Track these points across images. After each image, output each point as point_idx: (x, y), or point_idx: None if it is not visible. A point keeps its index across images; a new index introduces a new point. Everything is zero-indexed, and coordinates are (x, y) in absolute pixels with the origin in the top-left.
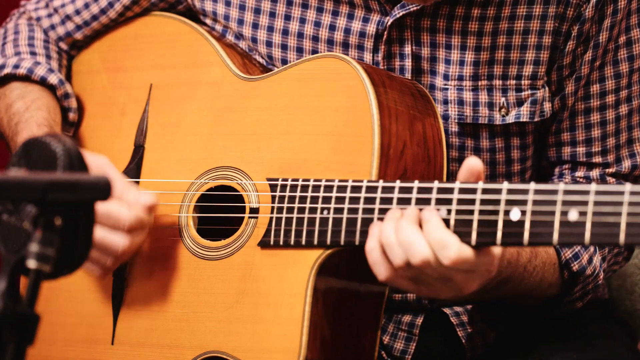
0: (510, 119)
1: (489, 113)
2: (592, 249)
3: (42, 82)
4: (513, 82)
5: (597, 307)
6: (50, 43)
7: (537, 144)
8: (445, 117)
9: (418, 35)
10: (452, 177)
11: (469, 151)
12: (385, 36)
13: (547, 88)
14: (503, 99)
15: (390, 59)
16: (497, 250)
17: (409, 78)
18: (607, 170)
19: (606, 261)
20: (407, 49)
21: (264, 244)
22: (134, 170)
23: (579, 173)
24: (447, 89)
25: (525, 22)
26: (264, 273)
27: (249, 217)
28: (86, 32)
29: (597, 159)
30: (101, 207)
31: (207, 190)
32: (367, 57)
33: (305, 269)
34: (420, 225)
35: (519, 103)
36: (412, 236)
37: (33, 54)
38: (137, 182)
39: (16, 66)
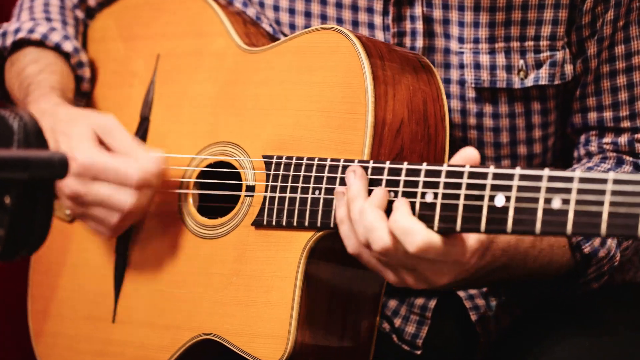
0: (529, 82)
1: (507, 76)
2: None
3: (57, 49)
4: (531, 43)
5: (627, 292)
6: (66, 9)
7: (560, 110)
8: (462, 82)
9: None
10: (469, 144)
11: (487, 117)
12: None
13: (567, 50)
14: (521, 62)
15: (401, 22)
16: (471, 240)
17: (421, 42)
18: (636, 135)
19: (622, 244)
20: (418, 11)
21: (257, 223)
22: None
23: (607, 139)
24: (462, 52)
25: None
26: (257, 254)
27: (245, 196)
28: None
29: (626, 124)
30: (109, 162)
31: (207, 166)
32: (377, 20)
33: (296, 251)
34: (387, 211)
35: (538, 65)
36: (375, 222)
37: (48, 20)
38: None
39: (31, 31)
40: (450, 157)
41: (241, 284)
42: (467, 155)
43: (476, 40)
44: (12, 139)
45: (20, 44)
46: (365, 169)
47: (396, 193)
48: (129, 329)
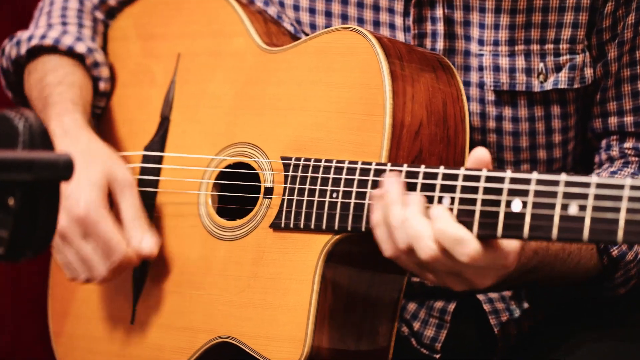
0: (549, 85)
1: (526, 79)
2: None
3: (70, 52)
4: (551, 46)
5: None
6: (85, 12)
7: (580, 114)
8: (481, 85)
9: None
10: (489, 147)
11: (506, 121)
12: None
13: (587, 53)
14: (541, 65)
15: (422, 23)
16: (514, 244)
17: (442, 44)
18: None
19: None
20: (439, 12)
21: (275, 226)
22: (158, 142)
23: (628, 144)
24: (482, 54)
25: None
26: (274, 257)
27: (264, 197)
28: None
29: None
30: (105, 230)
31: (226, 167)
32: (398, 20)
33: (314, 254)
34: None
35: (558, 68)
36: (422, 230)
37: (64, 24)
38: (161, 157)
39: (43, 37)
40: None
41: (258, 286)
42: (479, 156)
43: (496, 43)
44: (18, 140)
45: (36, 52)
46: (382, 171)
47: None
48: (147, 330)
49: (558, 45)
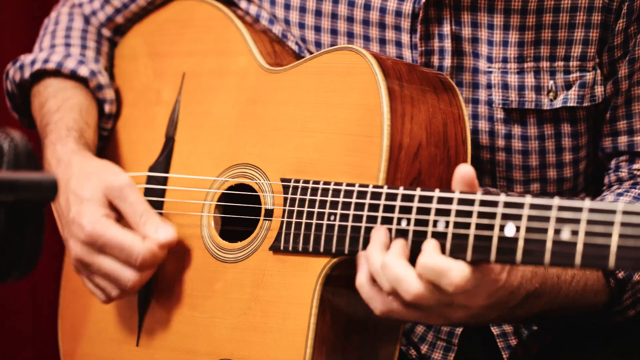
0: (558, 103)
1: (535, 97)
2: None
3: (73, 75)
4: (561, 63)
5: None
6: (89, 32)
7: (592, 133)
8: (490, 103)
9: (458, 14)
10: (497, 166)
11: (516, 140)
12: (421, 15)
13: (598, 71)
14: (551, 82)
15: (429, 40)
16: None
17: (450, 61)
18: None
19: None
20: (446, 29)
21: (274, 248)
22: (163, 163)
23: (637, 165)
24: (490, 72)
25: None
26: (274, 279)
27: (264, 219)
28: (126, 15)
29: None
30: (114, 237)
31: (228, 188)
32: (405, 38)
33: (312, 277)
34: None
35: (568, 86)
36: (401, 272)
37: (67, 45)
38: (166, 178)
39: (46, 61)
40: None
41: (259, 309)
42: (462, 174)
43: (505, 60)
44: (2, 160)
45: (40, 75)
46: (379, 194)
47: (409, 220)
48: (152, 352)
49: (568, 63)
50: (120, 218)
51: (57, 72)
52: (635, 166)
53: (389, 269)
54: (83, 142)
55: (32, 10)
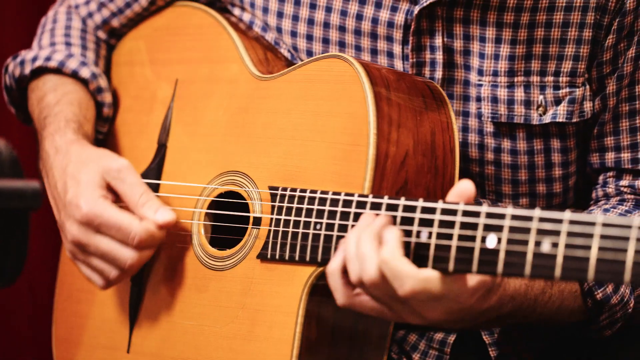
0: (547, 118)
1: (525, 112)
2: None
3: (74, 76)
4: (551, 78)
5: None
6: (88, 33)
7: (581, 149)
8: (479, 116)
9: (450, 26)
10: (487, 180)
11: (505, 154)
12: (413, 26)
13: (587, 86)
14: (541, 97)
15: (420, 52)
16: (472, 281)
17: (441, 73)
18: None
19: (636, 290)
20: (438, 41)
21: (262, 256)
22: (154, 170)
23: (624, 182)
24: (481, 85)
25: (565, 13)
26: (262, 288)
27: (252, 227)
28: (122, 20)
29: None
30: (112, 217)
31: (218, 196)
32: (397, 49)
33: (298, 286)
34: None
35: (557, 102)
36: (368, 252)
37: (68, 44)
38: (158, 184)
39: (48, 58)
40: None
41: (246, 317)
42: (462, 190)
43: (495, 73)
44: None
45: (40, 71)
46: (364, 203)
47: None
48: (143, 359)
49: (558, 78)
50: (118, 200)
51: (57, 71)
52: (623, 182)
53: (361, 245)
54: (82, 132)
55: (32, 10)
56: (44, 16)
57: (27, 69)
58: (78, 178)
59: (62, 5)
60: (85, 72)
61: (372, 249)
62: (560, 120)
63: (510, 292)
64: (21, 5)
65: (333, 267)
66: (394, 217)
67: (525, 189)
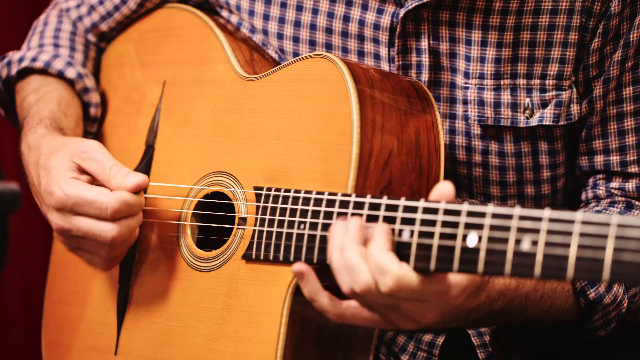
0: (534, 121)
1: (511, 114)
2: None
3: (60, 76)
4: (538, 81)
5: None
6: (78, 35)
7: (570, 151)
8: (466, 118)
9: (436, 29)
10: (475, 182)
11: (493, 156)
12: (399, 29)
13: (574, 89)
14: (527, 100)
15: (406, 54)
16: (457, 279)
17: (427, 75)
18: None
19: (630, 290)
20: (424, 44)
21: (247, 257)
22: (142, 171)
23: (614, 184)
24: (467, 87)
25: (550, 16)
26: (246, 289)
27: (237, 228)
28: (110, 24)
29: (634, 169)
30: (82, 194)
31: (204, 197)
32: (383, 51)
33: (282, 287)
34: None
35: (544, 104)
36: (355, 260)
37: (56, 46)
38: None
39: (34, 59)
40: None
41: (231, 319)
42: (442, 192)
43: (481, 76)
44: None
45: (26, 72)
46: (347, 203)
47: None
48: None
49: (544, 81)
50: (94, 182)
51: (43, 71)
52: (613, 184)
53: (346, 254)
54: (55, 127)
55: (24, 13)
56: (36, 20)
57: (14, 70)
58: (49, 166)
59: (54, 8)
60: (71, 73)
61: (359, 255)
62: (547, 123)
63: (499, 287)
64: (13, 8)
65: (312, 290)
66: (376, 217)
67: (513, 190)
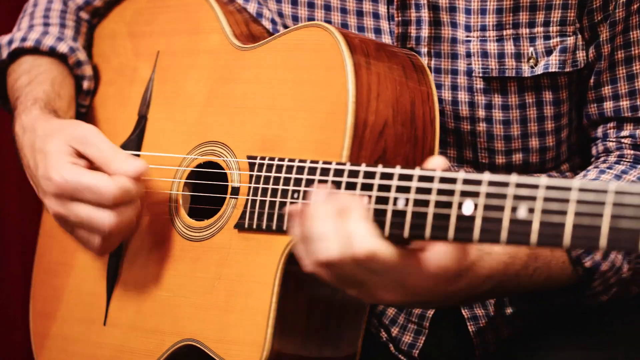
0: (539, 69)
1: (516, 64)
2: None
3: (52, 52)
4: (541, 29)
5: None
6: (68, 13)
7: (574, 101)
8: (469, 73)
9: None
10: (479, 137)
11: (496, 110)
12: None
13: (579, 35)
14: (531, 49)
15: (405, 10)
16: (432, 265)
17: (427, 31)
18: None
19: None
20: None
21: (239, 226)
22: (134, 141)
23: (625, 132)
24: (469, 41)
25: None
26: (238, 258)
27: (230, 197)
28: None
29: None
30: (82, 180)
31: (197, 166)
32: (382, 9)
33: (275, 256)
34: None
35: (548, 52)
36: (324, 230)
37: (46, 24)
38: (138, 155)
39: (24, 39)
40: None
41: (223, 288)
42: (437, 164)
43: (483, 28)
44: None
45: (18, 54)
46: (342, 171)
47: (370, 198)
48: (119, 332)
49: (548, 28)
50: (91, 165)
51: (35, 50)
52: (623, 133)
53: (315, 222)
54: (49, 108)
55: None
56: (26, 2)
57: (5, 53)
58: (45, 151)
59: None
60: (62, 47)
61: (329, 224)
62: (553, 70)
63: (485, 272)
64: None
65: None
66: (371, 185)
67: (518, 144)
